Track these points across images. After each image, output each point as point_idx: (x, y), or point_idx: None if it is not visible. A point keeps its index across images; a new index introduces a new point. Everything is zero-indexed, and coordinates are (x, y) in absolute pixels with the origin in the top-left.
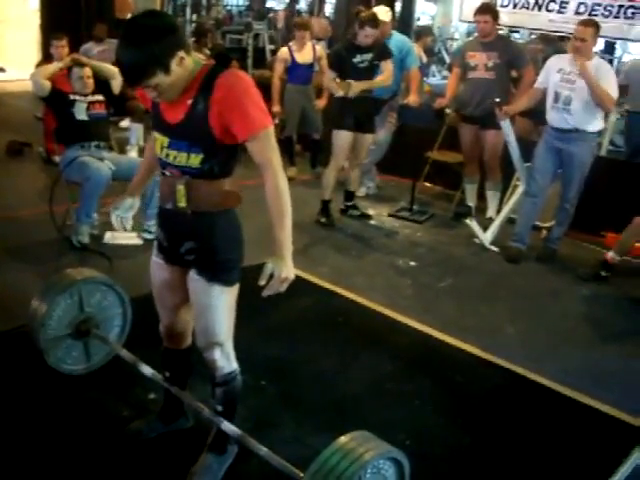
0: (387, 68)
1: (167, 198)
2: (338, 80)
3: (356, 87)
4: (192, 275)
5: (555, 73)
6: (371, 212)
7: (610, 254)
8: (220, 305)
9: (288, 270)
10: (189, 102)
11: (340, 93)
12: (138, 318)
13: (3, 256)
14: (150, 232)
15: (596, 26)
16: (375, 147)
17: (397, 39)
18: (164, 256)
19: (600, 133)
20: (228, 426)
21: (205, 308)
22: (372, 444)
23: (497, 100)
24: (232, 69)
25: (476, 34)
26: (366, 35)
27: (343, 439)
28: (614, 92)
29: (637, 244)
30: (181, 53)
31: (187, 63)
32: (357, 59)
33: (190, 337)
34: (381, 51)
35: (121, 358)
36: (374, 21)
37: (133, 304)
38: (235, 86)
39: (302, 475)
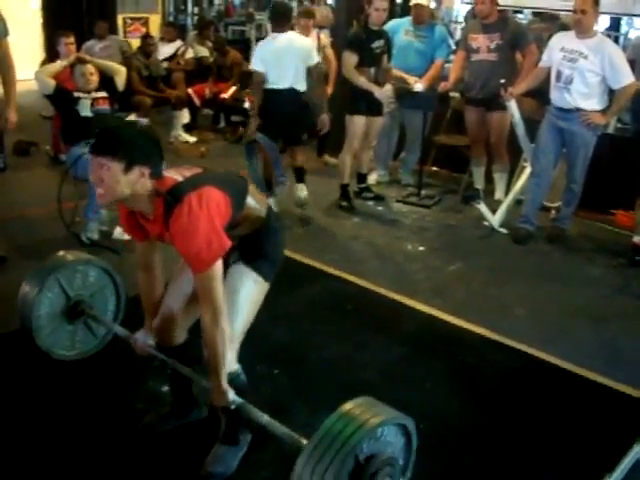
0: (436, 66)
1: None
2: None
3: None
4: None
5: (558, 51)
6: None
7: (636, 238)
8: (248, 294)
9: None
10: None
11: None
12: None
13: (13, 254)
14: None
15: None
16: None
17: (438, 28)
18: None
19: (604, 111)
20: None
21: (232, 292)
22: (378, 409)
23: (502, 81)
24: (185, 200)
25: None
26: (376, 9)
27: (348, 405)
28: (626, 72)
29: None
30: (145, 169)
31: (145, 183)
32: (375, 45)
33: (184, 335)
34: (388, 40)
35: (132, 350)
36: None
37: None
38: (185, 225)
39: (306, 442)
